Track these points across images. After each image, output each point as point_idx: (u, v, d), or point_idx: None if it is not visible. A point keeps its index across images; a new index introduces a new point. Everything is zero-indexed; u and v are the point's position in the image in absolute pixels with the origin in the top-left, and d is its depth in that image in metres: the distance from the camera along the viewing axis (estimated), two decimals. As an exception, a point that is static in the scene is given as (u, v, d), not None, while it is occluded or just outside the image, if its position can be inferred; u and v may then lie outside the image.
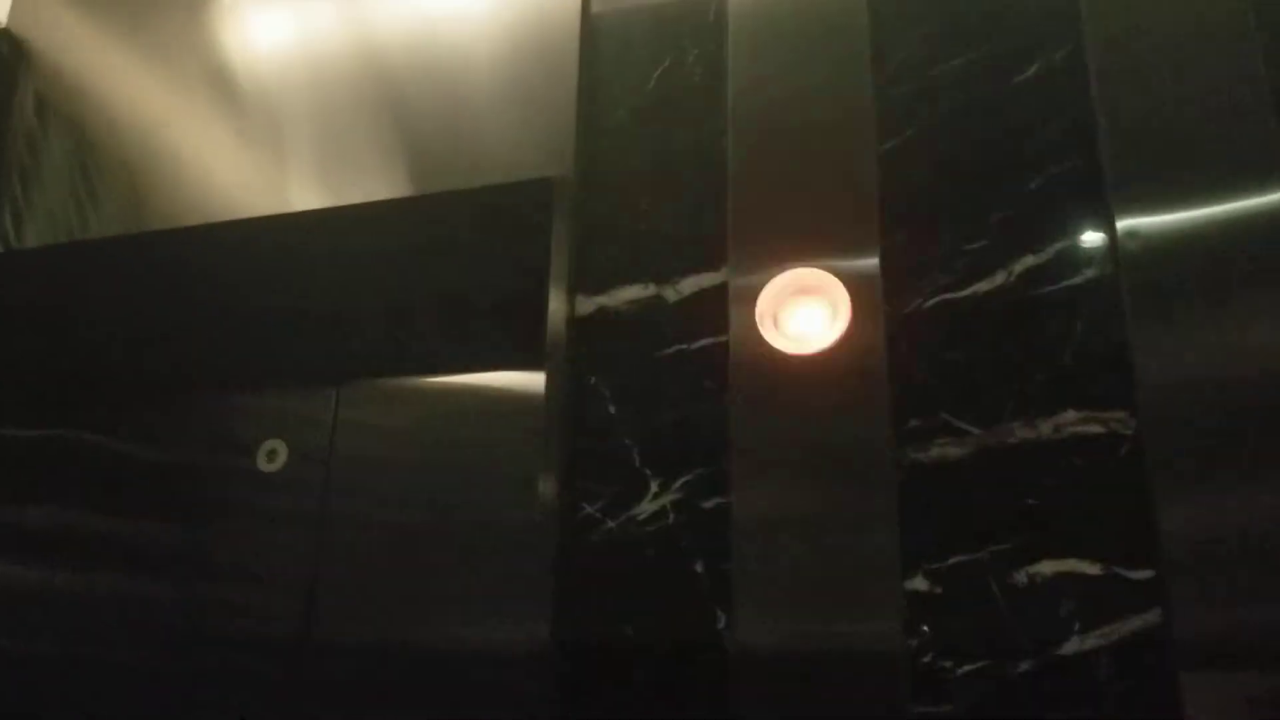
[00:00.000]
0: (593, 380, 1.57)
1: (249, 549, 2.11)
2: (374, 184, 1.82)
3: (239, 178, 1.94)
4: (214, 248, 1.97)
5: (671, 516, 1.47)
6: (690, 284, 1.56)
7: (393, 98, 1.88)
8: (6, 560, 2.19)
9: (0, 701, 2.12)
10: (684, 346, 1.54)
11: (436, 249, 1.89)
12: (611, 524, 1.49)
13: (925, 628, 1.28)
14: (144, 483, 2.25)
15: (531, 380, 1.93)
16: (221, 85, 2.03)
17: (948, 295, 1.40)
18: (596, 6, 1.76)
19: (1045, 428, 1.30)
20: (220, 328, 2.20)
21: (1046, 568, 1.26)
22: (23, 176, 2.15)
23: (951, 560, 1.30)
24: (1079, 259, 1.35)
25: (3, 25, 2.26)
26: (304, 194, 1.88)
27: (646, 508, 1.48)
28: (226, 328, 2.19)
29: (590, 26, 1.75)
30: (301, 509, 2.07)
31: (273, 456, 2.13)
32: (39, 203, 2.11)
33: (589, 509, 1.51)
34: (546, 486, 1.52)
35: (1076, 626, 1.23)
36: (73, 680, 2.13)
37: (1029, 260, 1.37)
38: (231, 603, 2.08)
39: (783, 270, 1.46)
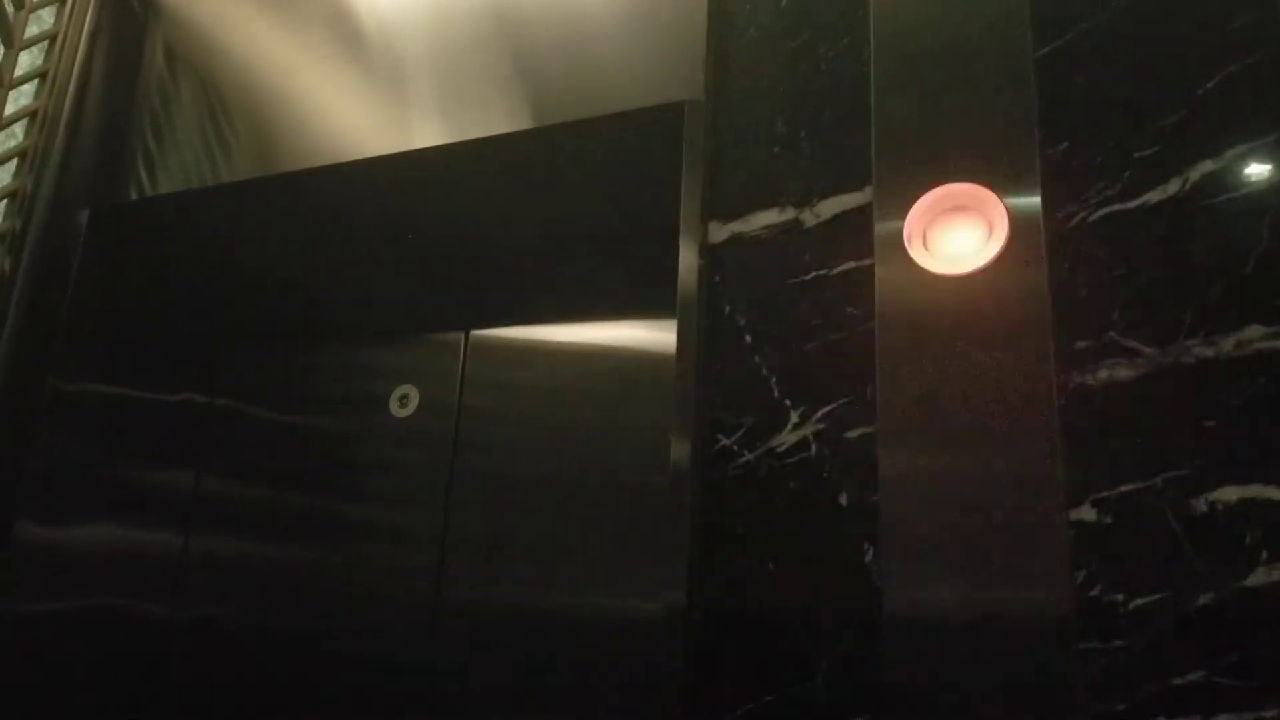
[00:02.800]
0: (727, 309, 1.52)
1: (383, 503, 2.12)
2: (496, 118, 1.79)
3: (364, 118, 1.93)
4: (342, 187, 1.97)
5: (814, 448, 1.41)
6: (830, 206, 1.49)
7: (514, 29, 1.84)
8: (146, 525, 2.24)
9: (143, 665, 2.17)
10: (824, 272, 1.47)
11: (565, 182, 1.85)
12: (750, 456, 1.45)
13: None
14: (277, 441, 2.28)
15: (663, 329, 1.89)
16: (343, 24, 2.02)
17: (1115, 206, 1.30)
18: (725, -81, 1.68)
19: (1226, 345, 1.21)
20: (348, 272, 2.21)
21: (1229, 494, 1.16)
22: (154, 125, 2.18)
23: (1122, 488, 1.21)
24: (1264, 162, 1.24)
25: (132, -24, 2.30)
26: (426, 132, 1.86)
27: (787, 439, 1.43)
28: (354, 272, 2.20)
29: (719, -59, 1.68)
30: (433, 458, 2.07)
31: (405, 402, 2.14)
32: (171, 151, 2.14)
33: (725, 441, 1.47)
34: (682, 417, 1.48)
35: (1264, 556, 1.14)
36: (212, 643, 2.18)
37: (1207, 165, 1.27)
38: (368, 561, 2.09)
39: (931, 187, 1.38)
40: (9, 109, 2.12)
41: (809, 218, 1.50)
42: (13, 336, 2.04)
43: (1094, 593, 1.20)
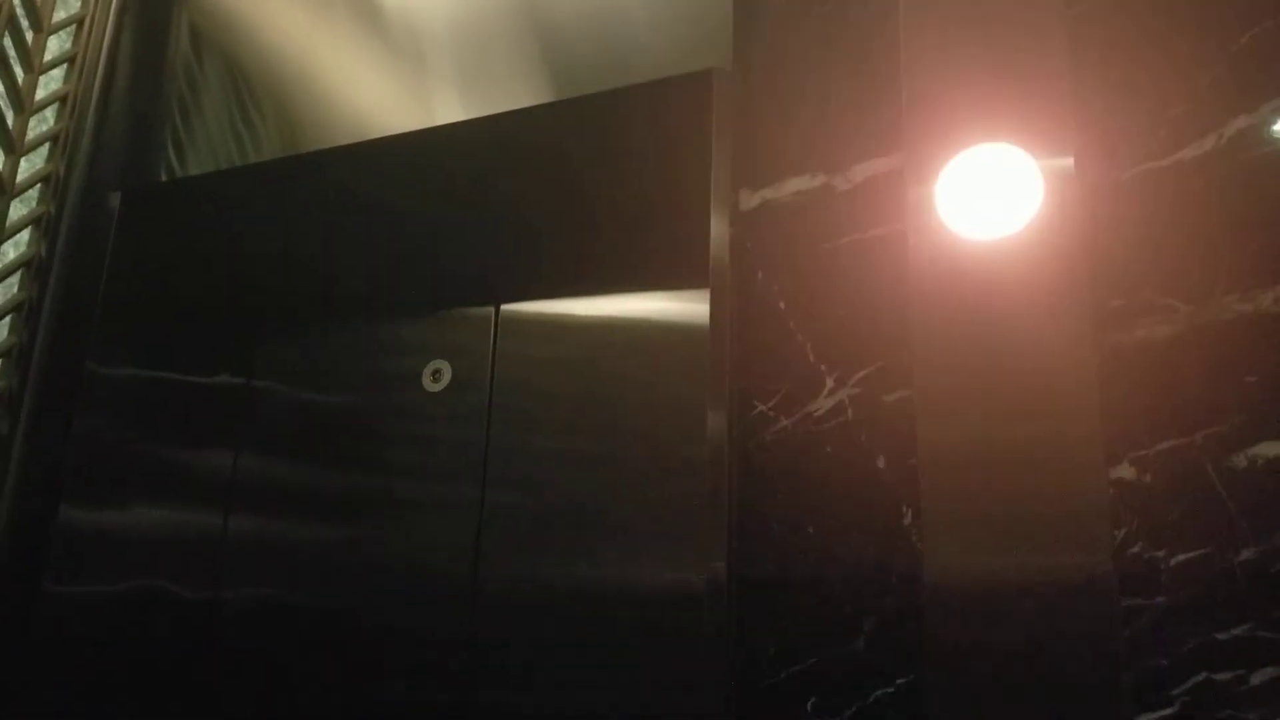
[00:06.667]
0: (760, 276, 1.53)
1: (419, 479, 2.12)
2: (521, 91, 1.80)
3: (388, 95, 1.94)
4: (370, 166, 1.98)
5: (850, 412, 1.42)
6: (862, 171, 1.49)
7: (536, 1, 1.84)
8: (186, 507, 2.25)
9: (184, 645, 2.19)
10: (857, 237, 1.47)
11: (593, 154, 1.85)
12: (786, 421, 1.46)
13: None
14: (313, 420, 2.28)
15: (696, 299, 1.88)
16: (365, 1, 2.02)
17: (1150, 164, 1.30)
18: (749, -118, 1.68)
19: (1265, 300, 1.21)
20: (379, 250, 2.21)
21: (1270, 449, 1.17)
22: (182, 107, 2.19)
23: (1161, 445, 1.22)
24: (1301, 116, 1.24)
25: (155, -41, 2.30)
26: (450, 107, 1.87)
27: (823, 404, 1.44)
28: (385, 249, 2.20)
29: (744, -97, 1.67)
30: (467, 433, 2.08)
31: (438, 376, 2.15)
32: (199, 133, 2.15)
33: (761, 407, 1.48)
34: (717, 385, 1.49)
35: (1306, 510, 1.14)
36: (252, 621, 2.19)
37: (1242, 121, 1.26)
38: (405, 536, 2.09)
39: (964, 149, 1.38)
40: (40, 93, 2.13)
41: (840, 183, 1.50)
42: (50, 320, 2.06)
43: (1135, 550, 1.20)
